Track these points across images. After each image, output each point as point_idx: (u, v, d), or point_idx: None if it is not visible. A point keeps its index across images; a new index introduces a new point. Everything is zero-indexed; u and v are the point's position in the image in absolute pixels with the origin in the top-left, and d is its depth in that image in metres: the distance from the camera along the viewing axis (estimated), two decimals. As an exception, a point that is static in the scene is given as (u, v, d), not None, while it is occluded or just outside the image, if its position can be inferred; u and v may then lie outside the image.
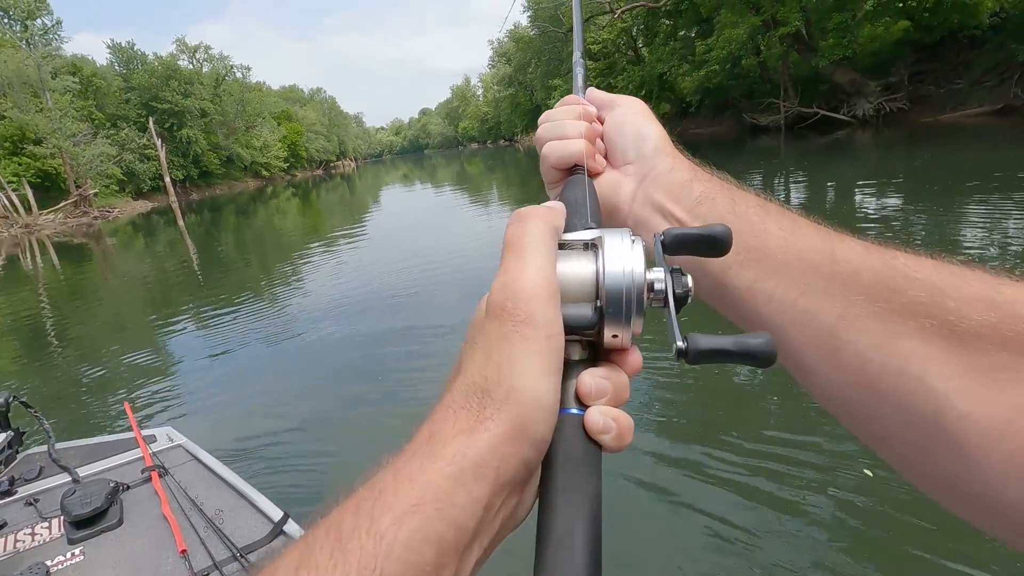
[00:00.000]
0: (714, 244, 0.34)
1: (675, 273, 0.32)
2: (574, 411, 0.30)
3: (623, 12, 18.22)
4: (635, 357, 0.33)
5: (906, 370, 0.30)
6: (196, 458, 2.02)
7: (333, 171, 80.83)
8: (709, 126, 26.15)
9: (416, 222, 13.35)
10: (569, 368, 0.31)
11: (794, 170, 11.51)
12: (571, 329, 0.31)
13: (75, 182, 32.01)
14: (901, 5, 14.94)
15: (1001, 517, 0.28)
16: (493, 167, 29.00)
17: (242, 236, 16.24)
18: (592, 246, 0.34)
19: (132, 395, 4.34)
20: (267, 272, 9.60)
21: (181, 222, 23.37)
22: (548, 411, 0.28)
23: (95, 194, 32.35)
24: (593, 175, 0.47)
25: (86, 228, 26.19)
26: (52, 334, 7.12)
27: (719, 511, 2.28)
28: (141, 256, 14.82)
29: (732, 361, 0.30)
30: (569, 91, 0.56)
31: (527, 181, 18.96)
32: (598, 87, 0.54)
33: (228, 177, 51.74)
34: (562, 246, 0.34)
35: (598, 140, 0.49)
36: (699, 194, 0.43)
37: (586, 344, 0.33)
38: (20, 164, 30.31)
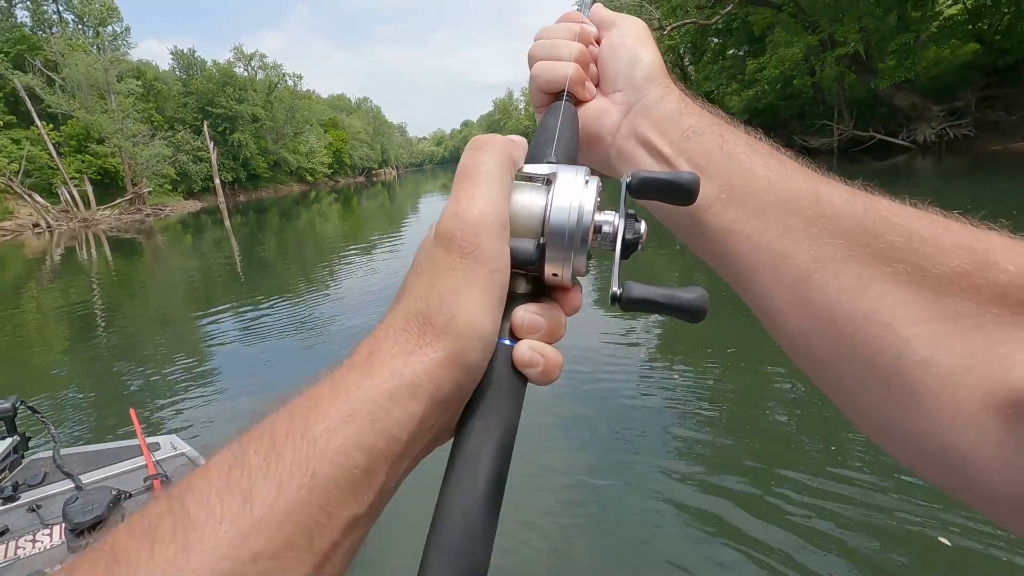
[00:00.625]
0: (681, 192, 0.33)
1: (629, 218, 0.32)
2: (507, 342, 0.31)
3: (672, 29, 17.92)
4: (575, 296, 0.34)
5: (874, 316, 0.30)
6: (198, 466, 1.95)
7: (375, 178, 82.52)
8: (756, 147, 25.46)
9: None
10: (511, 301, 0.32)
11: None
12: (515, 263, 0.31)
13: (132, 180, 33.52)
14: (971, 27, 14.21)
15: (948, 467, 0.28)
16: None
17: (284, 238, 16.54)
18: (548, 181, 0.33)
19: (144, 400, 4.30)
20: (304, 276, 9.65)
21: (228, 222, 24.05)
22: (485, 342, 0.29)
23: (149, 192, 33.78)
24: (581, 103, 0.45)
25: (139, 224, 27.27)
26: (87, 327, 7.26)
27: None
28: (188, 253, 15.21)
29: (663, 312, 0.31)
30: None
31: None
32: None
33: (274, 180, 53.39)
34: (521, 178, 0.34)
35: (592, 65, 0.46)
36: (687, 128, 0.41)
37: (530, 279, 0.33)
38: (83, 161, 31.97)
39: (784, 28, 16.41)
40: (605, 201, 0.34)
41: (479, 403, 0.30)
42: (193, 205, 37.85)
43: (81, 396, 4.56)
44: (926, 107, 15.11)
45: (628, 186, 0.33)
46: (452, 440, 0.31)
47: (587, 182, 0.32)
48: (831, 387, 0.34)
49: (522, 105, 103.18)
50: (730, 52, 25.76)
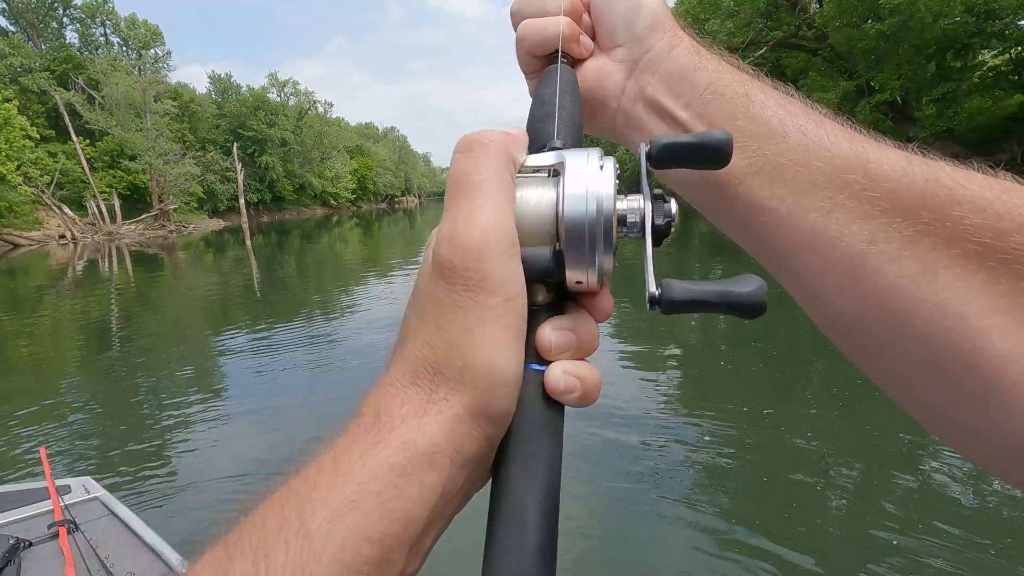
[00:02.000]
0: (711, 155, 0.28)
1: (656, 200, 0.28)
2: (535, 367, 0.27)
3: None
4: (604, 301, 0.29)
5: (944, 305, 0.26)
6: (113, 513, 1.86)
7: (397, 205, 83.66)
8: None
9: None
10: (532, 317, 0.27)
11: None
12: (530, 276, 0.26)
13: (159, 197, 34.13)
14: (1016, 78, 13.87)
15: None
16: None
17: (304, 259, 16.47)
18: (554, 172, 0.29)
19: (136, 424, 3.98)
20: (320, 297, 9.41)
21: (249, 242, 24.22)
22: (510, 386, 0.25)
23: (175, 209, 34.33)
24: (577, 62, 0.39)
25: (161, 240, 27.58)
26: (97, 340, 6.99)
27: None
28: (208, 270, 15.20)
29: (714, 311, 0.26)
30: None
31: None
32: None
33: (298, 203, 54.15)
34: (524, 172, 0.29)
35: (585, 15, 0.40)
36: (704, 86, 0.34)
37: (551, 287, 0.28)
38: (115, 176, 32.70)
39: (818, 72, 16.21)
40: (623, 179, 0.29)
41: (513, 444, 0.26)
42: (217, 224, 38.36)
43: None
44: (968, 160, 14.61)
45: (648, 156, 0.28)
46: (489, 484, 0.27)
47: (602, 166, 0.27)
48: (884, 375, 0.30)
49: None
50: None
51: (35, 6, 37.27)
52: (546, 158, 0.29)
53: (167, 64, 41.70)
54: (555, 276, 0.27)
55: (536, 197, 0.27)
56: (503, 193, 0.26)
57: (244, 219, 39.05)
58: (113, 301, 9.99)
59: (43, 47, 37.00)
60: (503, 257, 0.25)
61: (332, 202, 60.09)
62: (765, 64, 20.26)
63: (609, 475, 2.78)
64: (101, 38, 40.26)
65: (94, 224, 29.06)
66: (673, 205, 0.28)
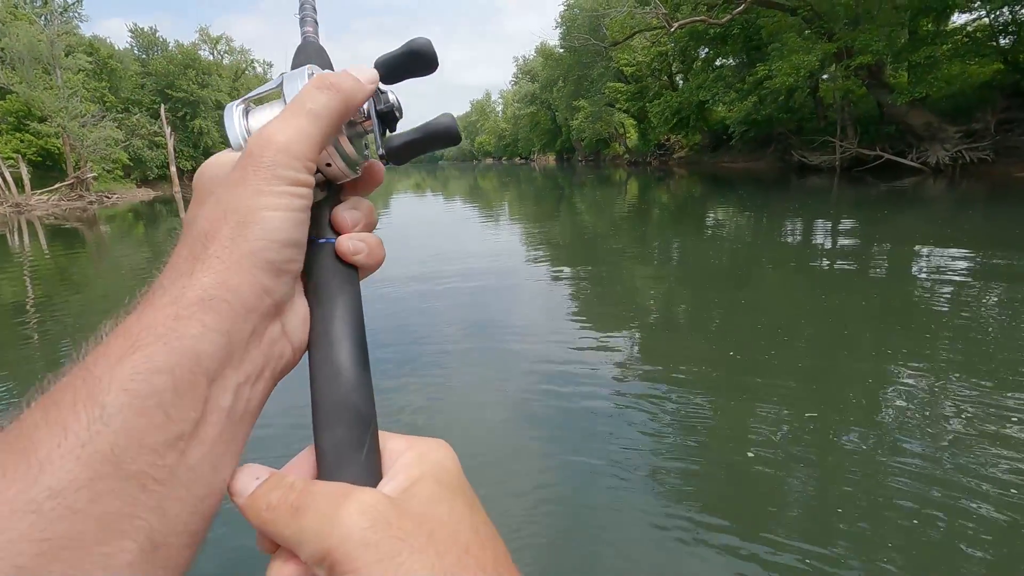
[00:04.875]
0: (421, 60, 0.36)
1: (376, 92, 0.34)
2: (324, 239, 0.33)
3: (679, 27, 16.81)
4: (368, 180, 0.37)
5: None
6: None
7: (345, 175, 79.78)
8: (745, 161, 24.71)
9: (422, 234, 11.95)
10: (317, 208, 0.33)
11: (846, 217, 9.97)
12: None
13: (75, 164, 30.65)
14: (993, 44, 13.49)
15: None
16: (507, 183, 27.74)
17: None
18: (281, 93, 0.35)
19: None
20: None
21: (182, 213, 21.93)
22: (283, 241, 0.29)
23: (94, 178, 30.94)
24: None
25: (80, 212, 24.72)
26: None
27: None
28: (138, 244, 13.40)
29: (426, 147, 0.35)
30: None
31: (541, 199, 17.66)
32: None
33: (238, 172, 50.59)
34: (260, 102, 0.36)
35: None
36: None
37: (323, 185, 0.35)
38: (22, 141, 29.00)
39: (797, 34, 15.43)
40: None
41: (315, 300, 0.32)
42: (146, 193, 35.02)
43: None
44: (941, 127, 14.35)
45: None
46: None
47: (310, 74, 0.33)
48: None
49: (500, 108, 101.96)
50: (723, 62, 24.97)
51: (-89, -60, 32.09)
52: (273, 82, 0.35)
53: (78, 14, 37.07)
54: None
55: (272, 115, 0.33)
56: (321, 129, 0.31)
57: (176, 188, 35.78)
58: (28, 280, 8.68)
59: (-75, -11, 32.07)
60: (293, 159, 0.30)
61: (276, 170, 56.47)
62: (734, 25, 19.38)
63: (572, 445, 2.72)
64: (-3, -19, 35.30)
65: (-2, 195, 25.74)
66: (392, 95, 0.35)
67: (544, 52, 47.21)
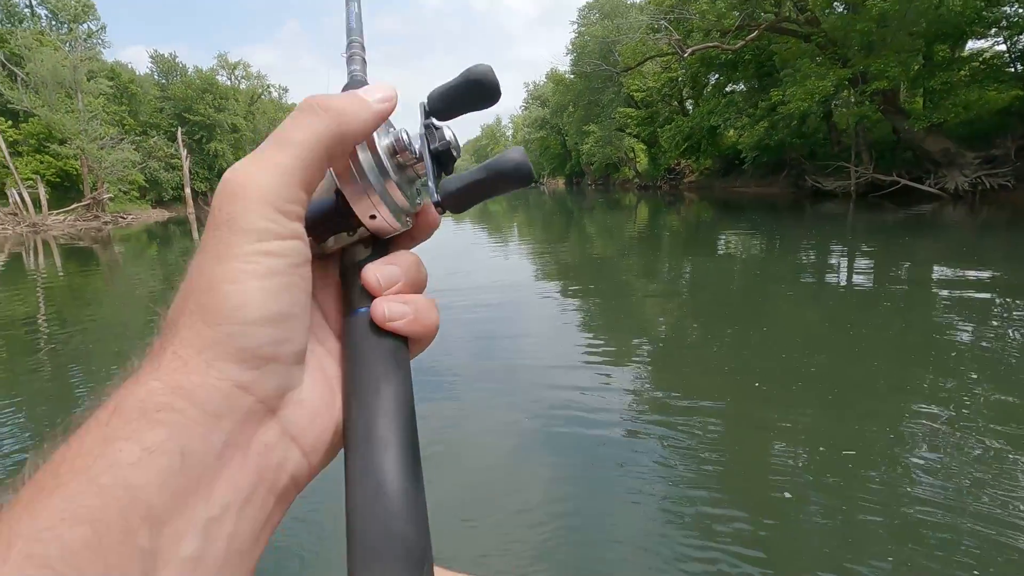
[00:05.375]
0: (480, 89, 0.30)
1: (428, 128, 0.30)
2: (360, 311, 0.28)
3: (692, 52, 16.89)
4: (418, 232, 0.32)
5: None
6: None
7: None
8: (757, 186, 24.60)
9: (430, 256, 11.84)
10: (355, 269, 0.29)
11: (864, 243, 9.72)
12: (325, 225, 0.29)
13: (92, 185, 31.13)
14: (1013, 71, 13.37)
15: None
16: (516, 207, 27.79)
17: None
18: None
19: None
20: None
21: (196, 234, 22.12)
22: (259, 319, 0.23)
23: (110, 199, 31.39)
24: None
25: (95, 232, 25.01)
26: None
27: None
28: (151, 265, 13.53)
29: (492, 191, 0.29)
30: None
31: (550, 222, 17.75)
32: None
33: (251, 194, 51.21)
34: None
35: None
36: None
37: (368, 241, 0.30)
38: (41, 162, 29.56)
39: (811, 60, 15.42)
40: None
41: (352, 389, 0.26)
42: (160, 214, 35.51)
43: None
44: (959, 153, 14.15)
45: (425, 110, 0.31)
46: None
47: None
48: None
49: (510, 132, 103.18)
50: (733, 87, 25.08)
51: (-54, -29, 33.40)
52: None
53: (101, 40, 38.21)
54: (346, 216, 0.28)
55: None
56: (303, 159, 0.25)
57: (191, 209, 36.27)
58: (41, 299, 8.68)
59: (-44, 17, 33.21)
60: (259, 207, 0.23)
61: (289, 193, 57.14)
62: (747, 51, 19.46)
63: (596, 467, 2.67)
64: (26, 9, 36.48)
65: (15, 214, 26.10)
66: (448, 131, 0.30)
67: (555, 78, 47.83)
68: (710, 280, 7.36)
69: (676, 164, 33.94)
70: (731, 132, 25.03)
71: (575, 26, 38.52)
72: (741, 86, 24.01)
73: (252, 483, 0.22)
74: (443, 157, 0.29)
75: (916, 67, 14.29)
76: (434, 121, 0.30)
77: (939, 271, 7.02)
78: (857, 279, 6.83)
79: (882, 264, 7.63)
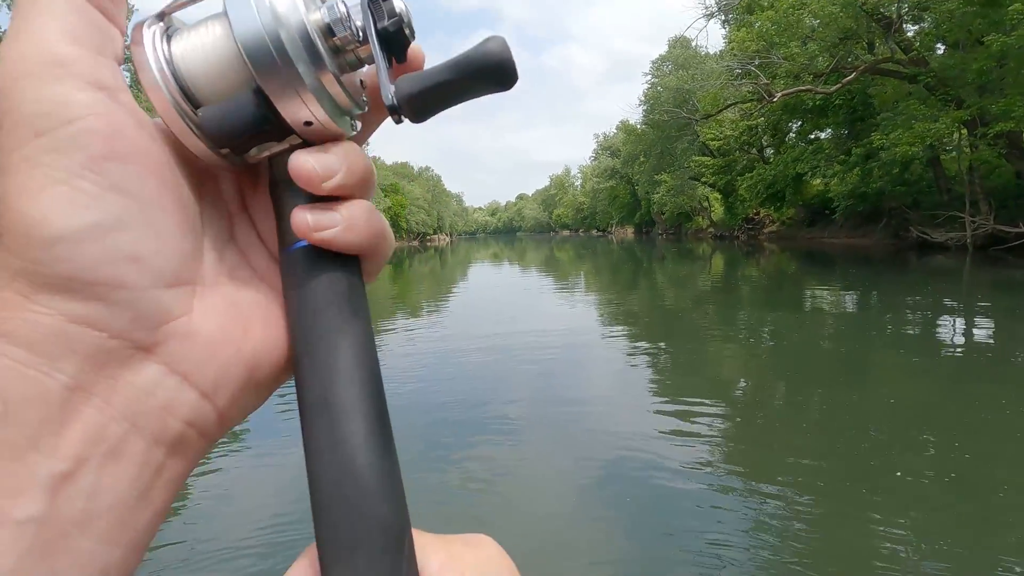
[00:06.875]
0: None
1: (373, 1, 0.22)
2: (302, 243, 0.22)
3: (783, 96, 16.10)
4: (360, 135, 0.25)
5: None
6: None
7: (428, 243, 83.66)
8: (849, 237, 22.85)
9: (497, 300, 11.88)
10: (293, 195, 0.23)
11: (985, 302, 8.33)
12: (249, 135, 0.21)
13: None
14: None
15: None
16: (583, 255, 27.38)
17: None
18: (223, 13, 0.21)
19: None
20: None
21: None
22: (68, 240, 0.17)
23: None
24: None
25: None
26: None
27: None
28: None
29: (462, 93, 0.22)
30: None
31: (617, 270, 17.12)
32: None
33: (330, 238, 54.10)
34: (170, 26, 0.22)
35: None
36: None
37: (302, 148, 0.23)
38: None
39: (919, 100, 14.20)
40: None
41: (302, 342, 0.21)
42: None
43: None
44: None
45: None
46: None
47: None
48: None
49: (578, 182, 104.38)
50: (818, 134, 23.88)
51: None
52: None
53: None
54: (272, 123, 0.21)
55: (207, 38, 0.21)
56: (62, 13, 0.18)
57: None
58: None
59: None
60: (36, 81, 0.17)
61: (364, 238, 59.96)
62: (838, 96, 18.38)
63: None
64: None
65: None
66: (398, 4, 0.22)
67: (626, 128, 48.02)
68: (795, 338, 6.58)
69: (755, 213, 32.53)
70: (817, 180, 23.68)
71: (648, 78, 38.70)
72: (826, 133, 22.83)
73: (120, 432, 0.18)
74: (394, 39, 0.22)
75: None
76: None
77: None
78: (979, 344, 5.79)
79: (1010, 327, 6.45)
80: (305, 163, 0.21)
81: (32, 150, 0.17)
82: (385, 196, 67.01)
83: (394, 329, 8.42)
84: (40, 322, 0.17)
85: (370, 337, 0.22)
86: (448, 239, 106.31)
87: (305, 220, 0.21)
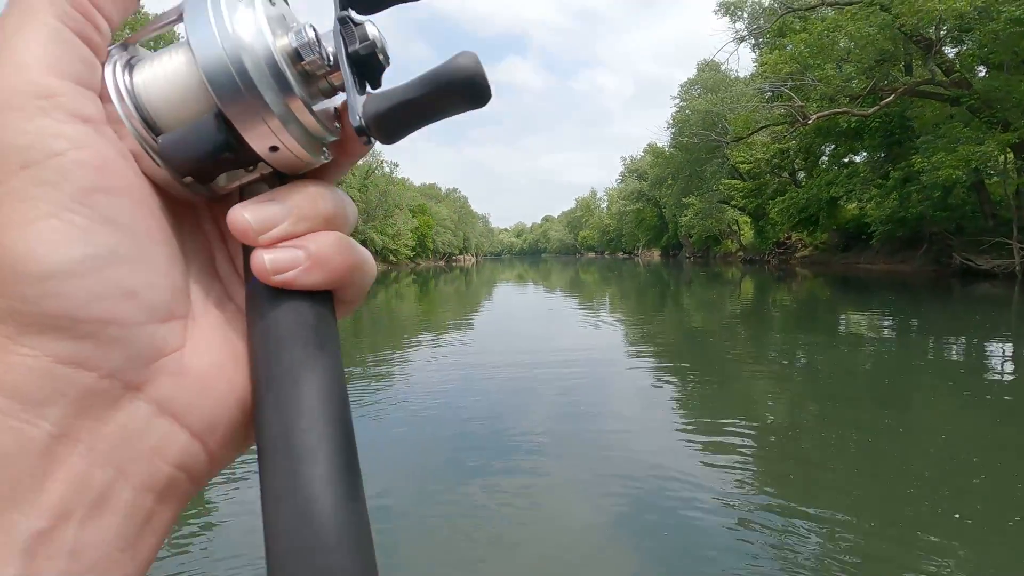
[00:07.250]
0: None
1: (345, 23, 0.22)
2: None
3: (818, 119, 15.81)
4: (341, 162, 0.23)
5: None
6: None
7: (454, 263, 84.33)
8: (886, 263, 22.10)
9: (521, 320, 11.91)
10: None
11: None
12: (214, 161, 0.20)
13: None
14: None
15: None
16: (608, 278, 27.13)
17: (357, 315, 15.26)
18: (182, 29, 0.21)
19: None
20: (372, 355, 7.78)
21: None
22: (56, 275, 0.16)
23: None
24: None
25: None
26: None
27: None
28: None
29: (433, 111, 0.21)
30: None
31: (644, 293, 16.87)
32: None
33: (359, 258, 54.94)
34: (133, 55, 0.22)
35: None
36: None
37: (272, 179, 0.22)
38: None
39: (962, 122, 13.76)
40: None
41: (263, 380, 0.20)
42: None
43: None
44: None
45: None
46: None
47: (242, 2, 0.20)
48: None
49: (604, 204, 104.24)
50: (851, 157, 23.35)
51: None
52: (167, 16, 0.21)
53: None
54: (236, 147, 0.20)
55: (169, 67, 0.20)
56: (41, 39, 0.18)
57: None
58: None
59: None
60: (21, 114, 0.17)
61: (392, 258, 60.71)
62: (874, 120, 17.98)
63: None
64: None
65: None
66: (371, 28, 0.21)
67: (654, 151, 47.89)
68: (829, 364, 6.31)
69: (786, 237, 31.82)
70: (852, 204, 23.06)
71: (676, 101, 38.62)
72: (861, 156, 22.30)
73: (106, 480, 0.17)
74: (366, 63, 0.21)
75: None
76: (352, 14, 0.22)
77: None
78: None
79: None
80: (239, 218, 0.20)
81: (19, 182, 0.17)
82: (413, 216, 68.08)
83: (419, 346, 8.49)
84: (25, 365, 0.16)
85: (339, 372, 0.20)
86: (474, 259, 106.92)
87: (262, 262, 0.20)
